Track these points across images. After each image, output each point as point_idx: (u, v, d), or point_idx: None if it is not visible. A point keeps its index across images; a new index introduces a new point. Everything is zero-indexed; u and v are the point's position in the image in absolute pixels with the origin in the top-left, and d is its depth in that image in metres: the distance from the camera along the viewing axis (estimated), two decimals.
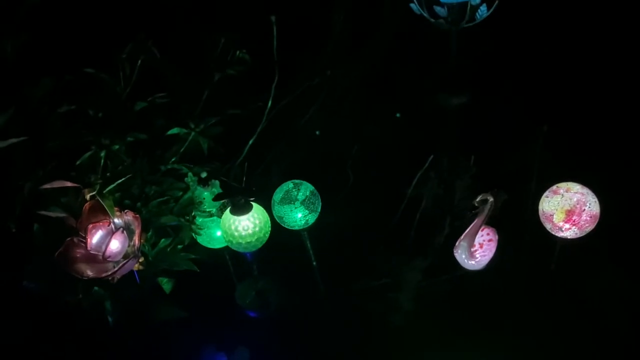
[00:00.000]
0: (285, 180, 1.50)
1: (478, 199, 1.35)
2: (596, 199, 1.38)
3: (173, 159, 1.56)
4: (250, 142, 1.78)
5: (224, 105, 1.69)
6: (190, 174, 1.43)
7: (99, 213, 1.25)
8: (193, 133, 1.54)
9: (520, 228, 1.63)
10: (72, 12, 1.62)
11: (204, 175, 1.42)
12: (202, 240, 1.47)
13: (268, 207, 1.48)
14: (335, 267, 1.69)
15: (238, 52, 1.70)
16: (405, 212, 1.75)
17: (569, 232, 1.39)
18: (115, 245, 1.24)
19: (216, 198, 1.40)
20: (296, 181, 1.46)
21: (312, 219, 1.45)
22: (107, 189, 1.28)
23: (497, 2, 1.39)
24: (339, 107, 2.03)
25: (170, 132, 1.53)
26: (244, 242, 1.38)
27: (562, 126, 1.69)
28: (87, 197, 1.25)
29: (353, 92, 2.03)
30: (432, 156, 1.66)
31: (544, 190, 1.48)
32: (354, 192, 1.87)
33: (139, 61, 1.53)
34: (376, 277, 1.70)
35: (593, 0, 1.76)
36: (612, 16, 1.77)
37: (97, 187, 1.24)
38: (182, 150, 1.56)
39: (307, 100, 1.98)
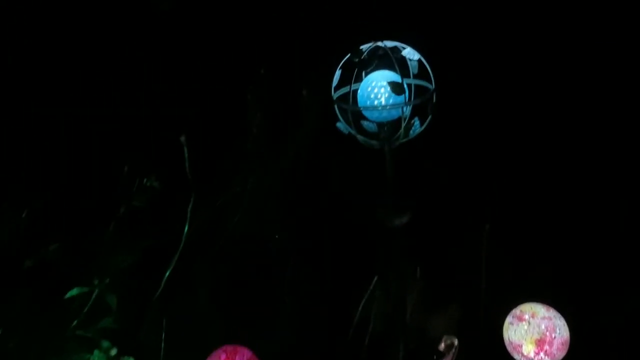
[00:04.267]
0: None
1: (443, 345, 1.20)
2: (564, 321, 1.27)
3: (75, 322, 1.32)
4: (167, 273, 1.57)
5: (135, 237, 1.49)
6: (97, 351, 1.18)
7: None
8: (97, 290, 1.31)
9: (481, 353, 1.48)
10: None
11: (113, 353, 1.17)
12: None
13: None
14: None
15: (145, 180, 1.51)
16: (353, 336, 1.57)
17: None
18: None
19: None
20: (229, 347, 1.23)
21: None
22: None
23: (430, 117, 1.27)
24: (260, 219, 1.84)
25: (69, 294, 1.29)
26: None
27: (505, 226, 1.60)
28: None
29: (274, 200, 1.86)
30: (376, 277, 1.50)
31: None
32: (294, 318, 1.66)
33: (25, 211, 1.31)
34: None
35: (521, 102, 1.73)
36: (546, 111, 1.74)
37: None
38: (85, 310, 1.32)
39: (227, 213, 1.80)
